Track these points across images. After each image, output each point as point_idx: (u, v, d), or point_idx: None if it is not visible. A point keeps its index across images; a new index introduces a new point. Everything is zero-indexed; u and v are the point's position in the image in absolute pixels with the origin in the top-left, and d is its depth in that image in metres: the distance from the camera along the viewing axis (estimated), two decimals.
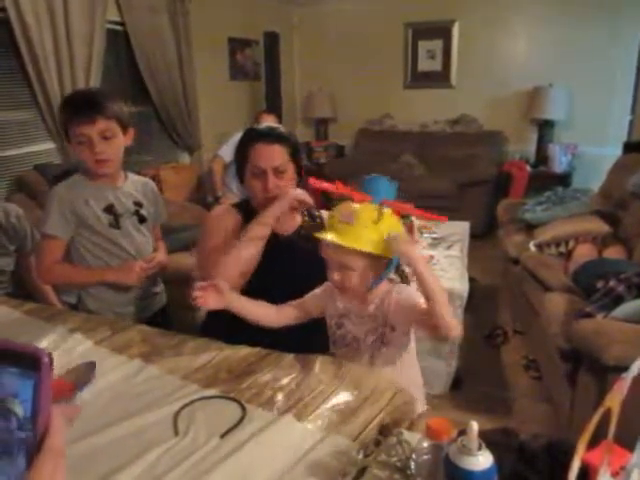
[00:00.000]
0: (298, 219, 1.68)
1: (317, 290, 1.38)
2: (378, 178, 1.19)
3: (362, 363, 1.27)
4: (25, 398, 0.49)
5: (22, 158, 3.34)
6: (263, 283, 1.49)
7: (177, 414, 1.06)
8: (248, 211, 1.62)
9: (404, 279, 1.34)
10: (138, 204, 1.80)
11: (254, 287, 1.49)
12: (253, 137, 1.58)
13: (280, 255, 1.54)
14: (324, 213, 1.72)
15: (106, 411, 1.08)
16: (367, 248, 1.12)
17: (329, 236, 1.14)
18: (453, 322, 1.14)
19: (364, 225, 1.12)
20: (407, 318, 1.23)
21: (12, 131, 3.28)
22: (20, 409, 0.48)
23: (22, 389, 0.48)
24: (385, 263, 1.21)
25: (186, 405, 1.09)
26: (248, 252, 1.49)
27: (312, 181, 1.35)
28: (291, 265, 1.53)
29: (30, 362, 0.48)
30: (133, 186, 1.82)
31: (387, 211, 1.15)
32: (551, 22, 5.10)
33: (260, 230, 1.49)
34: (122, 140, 1.69)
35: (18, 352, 0.49)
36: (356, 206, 1.15)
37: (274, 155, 1.54)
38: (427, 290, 1.11)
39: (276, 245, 1.54)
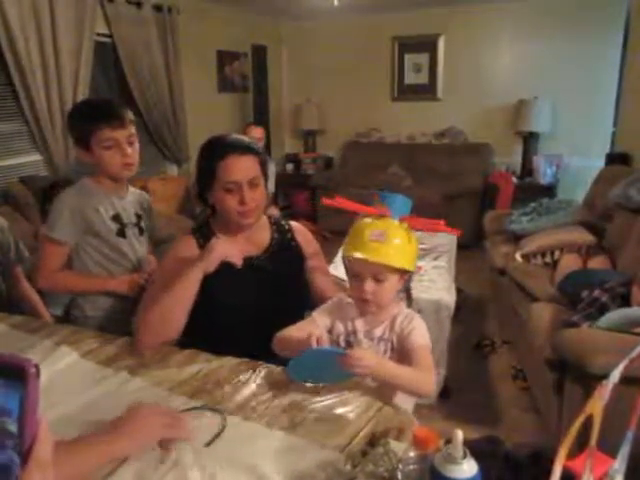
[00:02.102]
0: (267, 234, 1.60)
1: (326, 305, 1.33)
2: (395, 195, 1.25)
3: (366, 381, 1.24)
4: (12, 410, 0.48)
5: (8, 170, 3.32)
6: (239, 306, 1.47)
7: None
8: (205, 236, 1.52)
9: (409, 298, 1.36)
10: (138, 216, 1.83)
11: (229, 310, 1.47)
12: (223, 150, 1.44)
13: (253, 277, 1.49)
14: (293, 224, 1.68)
15: (92, 424, 1.07)
16: (399, 264, 1.18)
17: (360, 254, 1.18)
18: (428, 386, 1.19)
19: (394, 243, 1.18)
20: (403, 349, 1.25)
21: None
22: (13, 426, 0.47)
23: (9, 400, 0.48)
24: (408, 276, 1.27)
25: None
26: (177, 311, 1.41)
27: (327, 202, 1.34)
28: (263, 286, 1.49)
29: (16, 373, 0.48)
30: (134, 197, 1.85)
31: (407, 227, 1.22)
32: (536, 36, 5.20)
33: (190, 288, 1.40)
34: (138, 145, 1.73)
35: (4, 363, 0.49)
36: (384, 225, 1.20)
37: (249, 166, 1.44)
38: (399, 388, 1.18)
39: (249, 267, 1.47)
